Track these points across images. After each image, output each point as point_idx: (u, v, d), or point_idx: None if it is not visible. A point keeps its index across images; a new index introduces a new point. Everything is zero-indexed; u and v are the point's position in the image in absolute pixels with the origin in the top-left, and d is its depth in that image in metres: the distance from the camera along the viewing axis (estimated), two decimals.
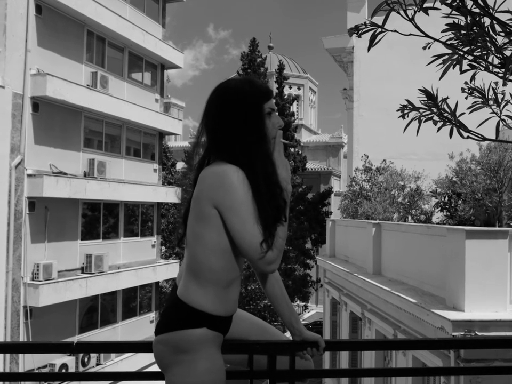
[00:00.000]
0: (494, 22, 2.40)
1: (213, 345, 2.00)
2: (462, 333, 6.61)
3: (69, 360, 13.89)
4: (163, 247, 27.83)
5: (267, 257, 1.93)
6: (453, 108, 2.84)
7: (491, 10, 2.37)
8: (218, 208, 1.95)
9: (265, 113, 2.09)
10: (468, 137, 2.84)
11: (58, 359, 13.70)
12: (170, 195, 19.57)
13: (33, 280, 13.44)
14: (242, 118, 2.04)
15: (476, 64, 2.66)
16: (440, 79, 2.71)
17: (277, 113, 2.19)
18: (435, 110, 2.83)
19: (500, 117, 2.92)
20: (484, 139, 2.82)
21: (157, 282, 19.74)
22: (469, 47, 2.53)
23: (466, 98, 2.99)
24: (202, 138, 2.15)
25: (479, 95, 2.90)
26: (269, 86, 2.22)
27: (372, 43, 2.53)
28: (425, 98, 2.87)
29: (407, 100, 2.97)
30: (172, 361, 1.99)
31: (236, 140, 2.03)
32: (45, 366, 13.60)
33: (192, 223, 2.04)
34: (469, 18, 2.40)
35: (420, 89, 2.88)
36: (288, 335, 2.42)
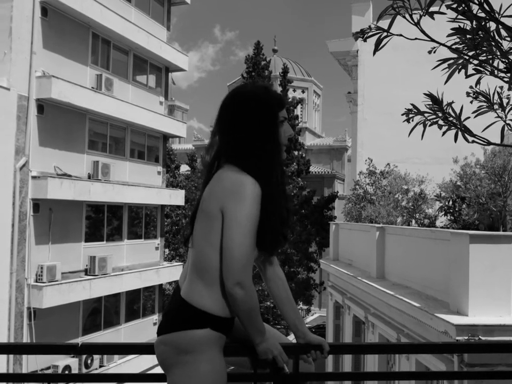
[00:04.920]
0: (500, 26, 2.41)
1: (215, 347, 2.01)
2: (466, 337, 6.59)
3: (72, 362, 13.89)
4: (166, 250, 27.83)
5: (239, 283, 1.92)
6: (458, 112, 2.84)
7: (497, 15, 2.37)
8: (224, 213, 1.97)
9: (279, 121, 2.12)
10: (473, 141, 2.84)
11: (61, 361, 13.70)
12: (174, 197, 19.58)
13: (37, 281, 13.46)
14: (258, 124, 2.08)
15: (481, 69, 2.67)
16: (445, 83, 2.72)
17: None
18: (440, 114, 2.83)
19: (505, 121, 2.92)
20: (489, 143, 2.83)
21: (160, 285, 19.74)
22: (474, 52, 2.53)
23: (471, 102, 2.99)
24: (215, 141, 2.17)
25: (484, 99, 2.90)
26: (282, 95, 2.25)
27: (377, 47, 2.53)
28: (430, 103, 2.87)
29: (412, 104, 2.97)
30: (174, 362, 1.99)
31: (251, 146, 2.06)
32: (48, 368, 13.60)
33: (200, 221, 2.05)
34: (474, 23, 2.41)
35: (425, 93, 2.89)
36: (291, 337, 2.42)
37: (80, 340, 14.92)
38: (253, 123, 2.07)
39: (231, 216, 1.94)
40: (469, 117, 2.85)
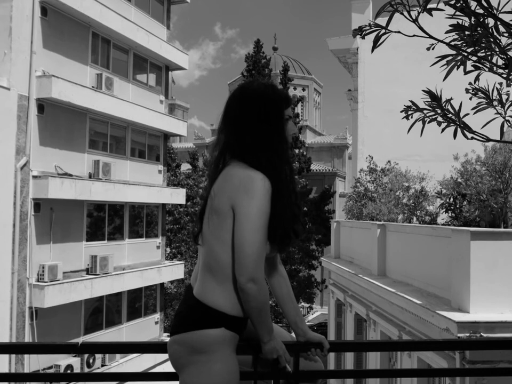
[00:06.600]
0: (498, 23, 2.40)
1: (229, 347, 2.00)
2: (467, 334, 6.58)
3: (74, 361, 13.91)
4: (168, 248, 27.84)
5: (252, 279, 1.92)
6: (457, 108, 2.84)
7: (495, 11, 2.36)
8: (234, 209, 1.96)
9: (285, 118, 2.12)
10: (472, 138, 2.84)
11: (63, 360, 13.72)
12: (175, 196, 19.59)
13: (38, 281, 13.47)
14: (265, 121, 2.08)
15: (480, 65, 2.66)
16: (444, 80, 2.71)
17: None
18: (439, 111, 2.83)
19: (504, 117, 2.92)
20: (488, 140, 2.82)
21: (162, 284, 19.76)
22: (473, 48, 2.53)
23: (470, 99, 2.99)
24: (221, 136, 2.16)
25: (483, 95, 2.90)
26: (289, 94, 2.25)
27: (375, 44, 2.53)
28: (429, 99, 2.87)
29: (411, 101, 2.97)
30: (187, 362, 1.98)
31: (259, 142, 2.06)
32: (50, 367, 13.63)
33: (210, 219, 2.04)
34: (472, 19, 2.40)
35: (424, 90, 2.88)
36: (293, 335, 2.42)
37: (82, 339, 14.93)
38: (261, 119, 2.07)
39: (242, 213, 1.94)
40: (468, 114, 2.85)
